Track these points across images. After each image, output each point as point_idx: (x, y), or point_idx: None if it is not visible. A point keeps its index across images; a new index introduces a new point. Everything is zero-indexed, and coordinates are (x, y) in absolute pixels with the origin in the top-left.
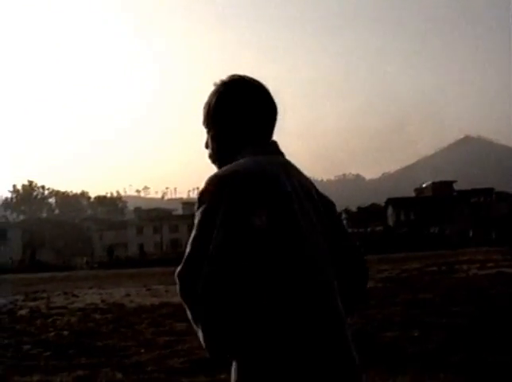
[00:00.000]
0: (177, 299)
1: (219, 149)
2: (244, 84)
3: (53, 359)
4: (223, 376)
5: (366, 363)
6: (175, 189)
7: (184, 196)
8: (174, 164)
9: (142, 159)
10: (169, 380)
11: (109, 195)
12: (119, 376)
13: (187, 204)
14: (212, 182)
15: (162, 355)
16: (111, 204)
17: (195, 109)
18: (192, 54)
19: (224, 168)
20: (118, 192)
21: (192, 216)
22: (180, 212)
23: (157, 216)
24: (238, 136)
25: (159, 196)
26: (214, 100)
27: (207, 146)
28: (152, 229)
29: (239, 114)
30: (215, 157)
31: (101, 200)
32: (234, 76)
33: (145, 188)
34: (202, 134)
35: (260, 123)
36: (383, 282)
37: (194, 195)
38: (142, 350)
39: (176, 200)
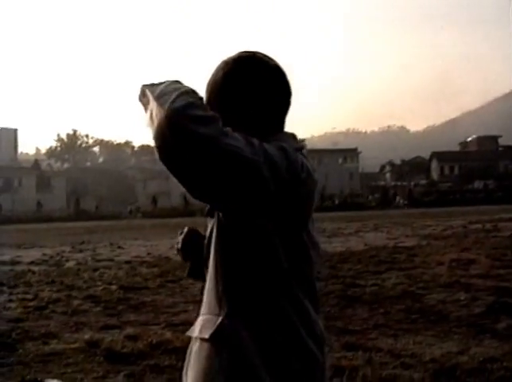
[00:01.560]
0: None
1: None
2: (259, 63)
3: (103, 315)
4: None
5: (413, 327)
6: None
7: None
8: None
9: None
10: None
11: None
12: (168, 335)
13: None
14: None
15: None
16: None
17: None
18: None
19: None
20: None
21: None
22: None
23: None
24: (265, 122)
25: None
26: (221, 77)
27: None
28: None
29: (262, 95)
30: None
31: (145, 149)
32: (245, 52)
33: None
34: None
35: (279, 110)
36: (427, 240)
37: None
38: (190, 307)
39: None
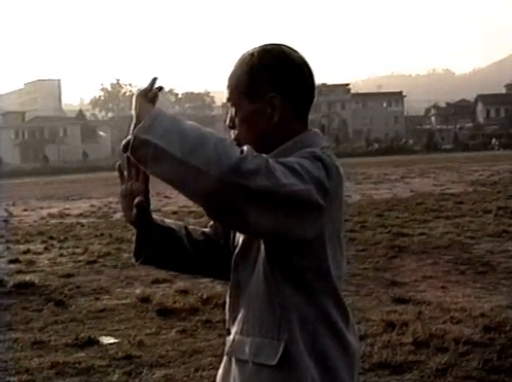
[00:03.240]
0: None
1: (264, 133)
2: (285, 55)
3: (153, 268)
4: None
5: (461, 278)
6: None
7: None
8: None
9: (228, 55)
10: None
11: (196, 91)
12: (219, 288)
13: None
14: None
15: None
16: (199, 99)
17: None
18: None
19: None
20: (205, 88)
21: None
22: None
23: None
24: (289, 117)
25: None
26: (248, 70)
27: (233, 126)
28: None
29: (288, 88)
30: (258, 145)
31: (188, 96)
32: (270, 44)
33: None
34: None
35: (304, 103)
36: (474, 186)
37: None
38: None
39: None
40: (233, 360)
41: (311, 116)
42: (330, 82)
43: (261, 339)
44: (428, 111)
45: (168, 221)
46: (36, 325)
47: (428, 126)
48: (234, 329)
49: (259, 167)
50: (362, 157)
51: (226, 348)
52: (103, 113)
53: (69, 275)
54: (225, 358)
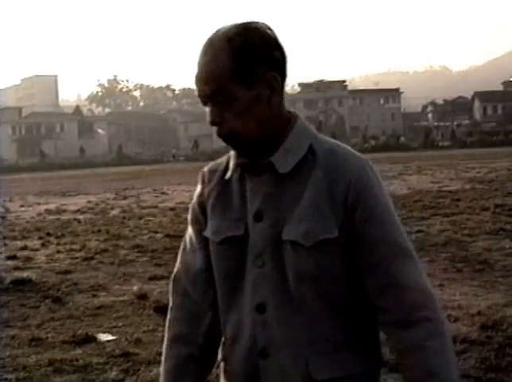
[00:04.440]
0: None
1: (264, 119)
2: (267, 35)
3: (150, 265)
4: None
5: (458, 276)
6: None
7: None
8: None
9: None
10: None
11: (194, 87)
12: None
13: None
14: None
15: None
16: (196, 95)
17: None
18: None
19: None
20: None
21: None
22: None
23: None
24: (282, 97)
25: None
26: (232, 56)
27: (222, 121)
28: None
29: (276, 70)
30: (260, 133)
31: (186, 92)
32: (245, 24)
33: None
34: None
35: (284, 84)
36: (471, 183)
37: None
38: None
39: None
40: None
41: (308, 112)
42: (327, 78)
43: (342, 352)
44: (425, 107)
45: None
46: (34, 322)
47: (425, 123)
48: (306, 351)
49: None
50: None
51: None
52: (100, 109)
53: (66, 272)
54: None
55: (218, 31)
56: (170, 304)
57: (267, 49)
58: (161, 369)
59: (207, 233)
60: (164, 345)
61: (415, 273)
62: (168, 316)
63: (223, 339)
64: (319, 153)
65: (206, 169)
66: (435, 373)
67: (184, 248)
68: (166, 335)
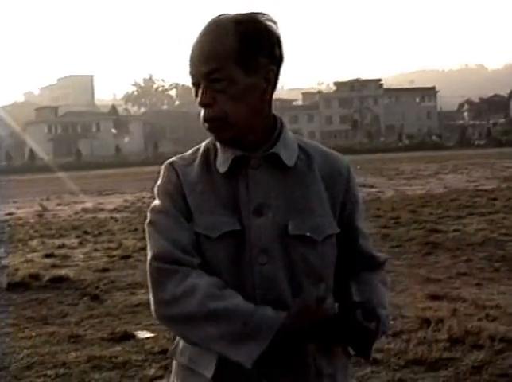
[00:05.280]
0: None
1: (255, 110)
2: (273, 26)
3: None
4: None
5: (496, 276)
6: (294, 78)
7: (304, 86)
8: (293, 53)
9: None
10: None
11: None
12: None
13: (307, 94)
14: None
15: None
16: None
17: None
18: None
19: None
20: None
21: (312, 107)
22: (300, 102)
23: (277, 106)
24: (273, 92)
25: (279, 86)
26: (239, 38)
27: (212, 103)
28: None
29: (278, 59)
30: (248, 123)
31: None
32: (253, 13)
33: None
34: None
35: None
36: (507, 182)
37: (314, 85)
38: None
39: (295, 90)
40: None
41: (343, 111)
42: (362, 77)
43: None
44: (461, 106)
45: None
46: (72, 319)
47: (460, 122)
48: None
49: None
50: (394, 153)
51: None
52: (136, 108)
53: (104, 270)
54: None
55: (223, 15)
56: (163, 281)
57: (270, 42)
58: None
59: (199, 229)
60: (205, 297)
61: None
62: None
63: (182, 342)
64: (310, 152)
65: (175, 162)
66: (381, 303)
67: (162, 229)
68: (198, 295)
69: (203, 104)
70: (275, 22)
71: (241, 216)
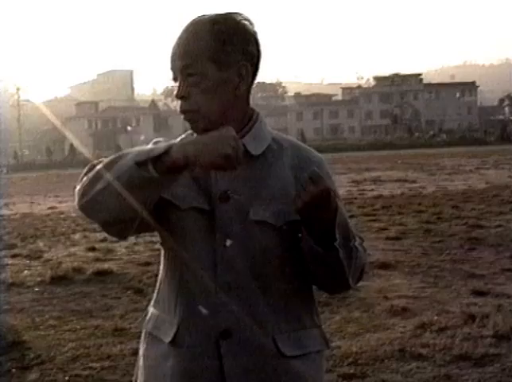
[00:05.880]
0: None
1: (227, 103)
2: (250, 25)
3: None
4: None
5: None
6: (334, 73)
7: (344, 80)
8: (332, 48)
9: (299, 44)
10: None
11: (268, 81)
12: None
13: (347, 89)
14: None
15: None
16: (271, 89)
17: None
18: None
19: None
20: (277, 78)
21: (352, 102)
22: (339, 97)
23: (316, 102)
24: (249, 88)
25: (318, 81)
26: (214, 37)
27: (187, 96)
28: (312, 115)
29: (253, 58)
30: (219, 116)
31: (260, 86)
32: (229, 13)
33: (304, 73)
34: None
35: (257, 75)
36: None
37: (354, 79)
38: None
39: (335, 84)
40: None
41: (383, 106)
42: (402, 72)
43: (308, 329)
44: (501, 101)
45: None
46: (117, 312)
47: (501, 117)
48: (280, 329)
49: None
50: (435, 148)
51: (274, 351)
52: (175, 103)
53: (147, 264)
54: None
55: (202, 15)
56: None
57: (244, 40)
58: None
59: (168, 196)
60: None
61: None
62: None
63: (150, 311)
64: (283, 144)
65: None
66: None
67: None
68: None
69: (178, 97)
70: (251, 21)
71: (210, 200)
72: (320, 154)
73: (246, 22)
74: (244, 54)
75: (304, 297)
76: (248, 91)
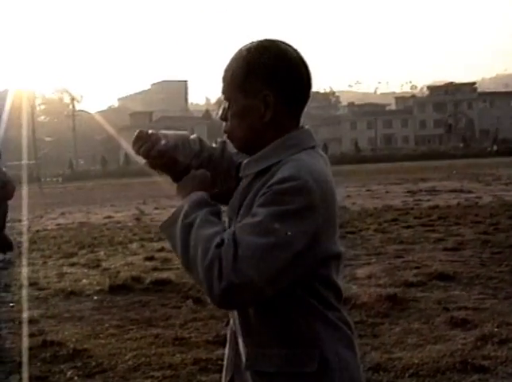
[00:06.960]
0: (396, 203)
1: (255, 129)
2: (282, 52)
3: None
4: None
5: None
6: (387, 82)
7: (397, 90)
8: (385, 57)
9: (353, 54)
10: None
11: (322, 91)
12: (354, 289)
13: (400, 98)
14: (310, 190)
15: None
16: (324, 99)
17: None
18: None
19: (307, 169)
20: (330, 87)
21: (405, 111)
22: (393, 107)
23: (370, 111)
24: (282, 115)
25: (371, 90)
26: (243, 64)
27: (225, 118)
28: (365, 124)
29: (282, 85)
30: (247, 139)
31: (313, 95)
32: (267, 40)
33: (358, 82)
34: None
35: (298, 102)
36: None
37: (407, 89)
38: (373, 259)
39: (388, 94)
40: (248, 374)
41: (437, 116)
42: (456, 80)
43: (291, 349)
44: None
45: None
46: (176, 321)
47: None
48: (246, 342)
49: (240, 283)
50: (489, 158)
51: (243, 361)
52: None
53: None
54: (233, 372)
55: (251, 42)
56: None
57: (273, 69)
58: None
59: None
60: None
61: None
62: None
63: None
64: (280, 166)
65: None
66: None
67: None
68: None
69: (219, 118)
70: (290, 50)
71: None
72: (304, 181)
73: (282, 50)
74: (269, 83)
75: (265, 313)
76: (279, 118)
